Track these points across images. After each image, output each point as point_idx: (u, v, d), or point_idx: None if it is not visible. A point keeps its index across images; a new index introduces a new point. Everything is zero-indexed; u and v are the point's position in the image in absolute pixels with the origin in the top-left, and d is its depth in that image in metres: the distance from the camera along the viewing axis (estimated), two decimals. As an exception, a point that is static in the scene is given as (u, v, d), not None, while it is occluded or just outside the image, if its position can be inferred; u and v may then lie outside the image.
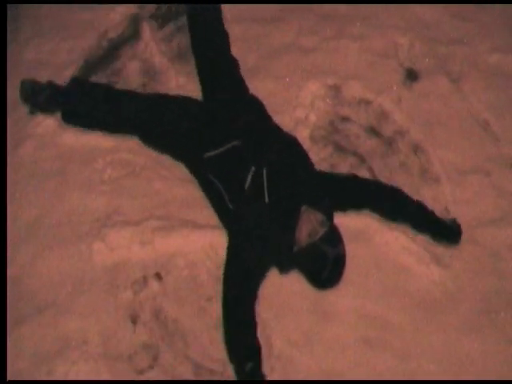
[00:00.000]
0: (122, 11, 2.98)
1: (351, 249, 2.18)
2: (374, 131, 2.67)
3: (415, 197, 2.34)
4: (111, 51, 2.89)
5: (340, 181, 2.33)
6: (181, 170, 2.44)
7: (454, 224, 2.37)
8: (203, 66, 2.58)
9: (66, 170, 2.51)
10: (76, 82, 2.56)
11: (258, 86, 2.52)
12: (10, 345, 2.10)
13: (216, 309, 2.20)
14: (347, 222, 2.33)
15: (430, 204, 2.37)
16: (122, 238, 2.33)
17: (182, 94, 2.52)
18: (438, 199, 2.50)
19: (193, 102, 2.45)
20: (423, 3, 3.06)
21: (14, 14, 2.88)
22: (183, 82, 2.70)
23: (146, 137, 2.46)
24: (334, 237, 2.12)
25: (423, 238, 2.39)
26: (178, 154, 2.41)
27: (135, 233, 2.34)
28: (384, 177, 2.54)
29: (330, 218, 2.17)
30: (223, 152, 2.24)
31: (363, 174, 2.54)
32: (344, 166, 2.57)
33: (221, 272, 2.16)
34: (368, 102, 2.74)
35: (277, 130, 2.38)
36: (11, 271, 2.26)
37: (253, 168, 2.18)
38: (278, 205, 2.15)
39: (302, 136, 2.54)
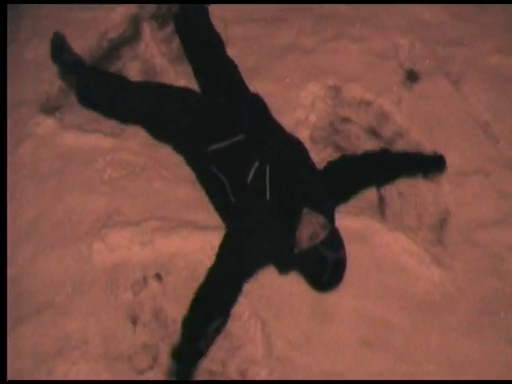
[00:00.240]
0: (122, 11, 2.98)
1: (351, 250, 2.18)
2: (374, 132, 2.68)
3: (415, 199, 2.35)
4: (111, 51, 2.89)
5: (335, 174, 2.35)
6: (181, 170, 2.44)
7: (435, 153, 2.55)
8: (199, 69, 2.60)
9: (65, 170, 2.51)
10: (96, 67, 2.71)
11: (258, 87, 2.52)
12: (10, 345, 2.10)
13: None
14: (347, 222, 2.33)
15: (431, 205, 2.37)
16: (122, 239, 2.33)
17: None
18: (438, 200, 2.50)
19: (197, 96, 2.48)
20: (424, 3, 3.07)
21: (14, 14, 2.88)
22: (183, 83, 2.70)
23: (150, 126, 2.48)
24: (334, 240, 2.11)
25: (424, 239, 2.40)
26: (181, 145, 2.42)
27: (135, 233, 2.34)
28: (384, 178, 2.54)
29: (332, 221, 2.16)
30: (227, 146, 2.25)
31: (363, 174, 2.55)
32: (344, 167, 2.57)
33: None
34: (368, 103, 2.74)
35: (279, 129, 2.39)
36: (11, 271, 2.25)
37: (256, 163, 2.19)
38: (278, 203, 2.15)
39: (302, 137, 2.54)
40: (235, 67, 2.57)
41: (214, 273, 2.12)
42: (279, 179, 2.17)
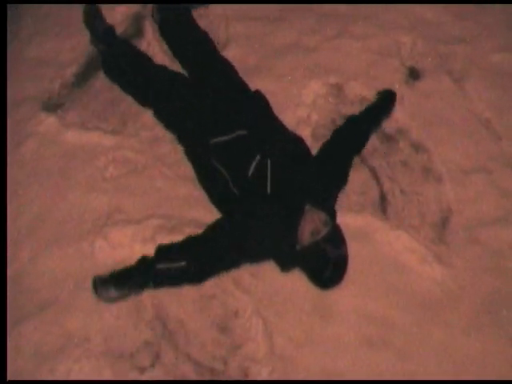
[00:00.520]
0: (123, 10, 2.97)
1: (353, 248, 2.18)
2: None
3: (417, 197, 2.34)
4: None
5: (325, 161, 2.35)
6: (183, 168, 2.44)
7: (384, 93, 2.66)
8: (194, 73, 2.59)
9: (68, 168, 2.51)
10: (126, 41, 2.73)
11: (259, 85, 2.52)
12: (12, 343, 2.11)
13: (217, 307, 2.21)
14: (348, 220, 2.33)
15: (433, 203, 2.37)
16: (124, 236, 2.33)
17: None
18: (440, 198, 2.50)
19: (205, 89, 2.49)
20: (424, 3, 3.06)
21: (14, 14, 2.88)
22: (185, 81, 2.70)
23: (160, 110, 2.49)
24: (336, 237, 2.12)
25: (426, 237, 2.39)
26: (184, 135, 2.43)
27: (137, 231, 2.34)
28: (386, 175, 2.54)
29: (333, 218, 2.17)
30: (230, 139, 2.26)
31: (365, 172, 2.55)
32: (345, 165, 2.57)
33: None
34: (370, 101, 2.73)
35: (281, 126, 2.40)
36: (13, 269, 2.26)
37: (257, 157, 2.20)
38: (279, 198, 2.16)
39: (304, 134, 2.53)
40: (230, 66, 2.56)
41: (212, 242, 2.16)
42: (280, 174, 2.18)
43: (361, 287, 2.28)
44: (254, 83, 2.54)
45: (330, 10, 3.04)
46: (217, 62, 2.57)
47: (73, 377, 2.08)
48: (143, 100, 2.57)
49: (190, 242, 2.18)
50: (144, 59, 2.61)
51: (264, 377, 2.11)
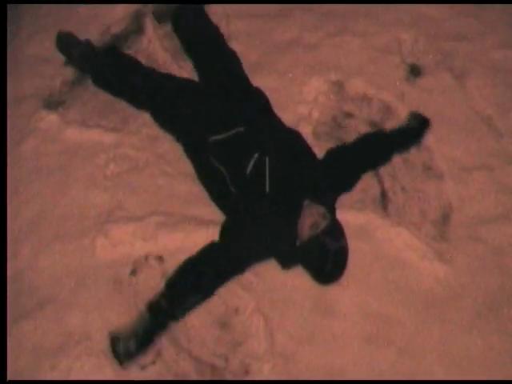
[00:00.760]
0: (123, 8, 2.98)
1: (353, 245, 2.18)
2: (377, 127, 2.66)
3: (418, 194, 2.34)
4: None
5: (335, 163, 2.35)
6: (184, 165, 2.44)
7: (417, 117, 2.60)
8: (200, 64, 2.60)
9: (68, 166, 2.51)
10: (109, 49, 2.69)
11: (260, 82, 2.52)
12: (13, 340, 2.11)
13: (218, 304, 2.21)
14: (349, 218, 2.33)
15: (434, 201, 2.37)
16: (125, 234, 2.33)
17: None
18: (441, 195, 2.49)
19: (200, 86, 2.51)
20: (423, 3, 3.06)
21: (14, 14, 2.89)
22: (186, 78, 2.69)
23: (155, 112, 2.49)
24: (335, 230, 2.13)
25: (427, 234, 2.39)
26: (182, 134, 2.43)
27: (138, 228, 2.34)
28: (387, 173, 2.54)
29: (332, 212, 2.18)
30: (228, 137, 2.26)
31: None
32: (347, 162, 2.57)
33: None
34: (371, 98, 2.73)
35: (279, 123, 2.40)
36: (14, 266, 2.26)
37: (256, 155, 2.20)
38: (278, 196, 2.16)
39: (305, 132, 2.53)
40: (237, 60, 2.57)
41: (211, 252, 2.16)
42: (278, 171, 2.18)
43: (362, 284, 2.28)
44: (255, 80, 2.54)
45: (331, 8, 3.04)
46: (225, 54, 2.58)
47: (73, 374, 2.08)
48: (137, 105, 2.57)
49: (193, 274, 2.15)
50: (130, 66, 2.57)
51: (265, 374, 2.11)
